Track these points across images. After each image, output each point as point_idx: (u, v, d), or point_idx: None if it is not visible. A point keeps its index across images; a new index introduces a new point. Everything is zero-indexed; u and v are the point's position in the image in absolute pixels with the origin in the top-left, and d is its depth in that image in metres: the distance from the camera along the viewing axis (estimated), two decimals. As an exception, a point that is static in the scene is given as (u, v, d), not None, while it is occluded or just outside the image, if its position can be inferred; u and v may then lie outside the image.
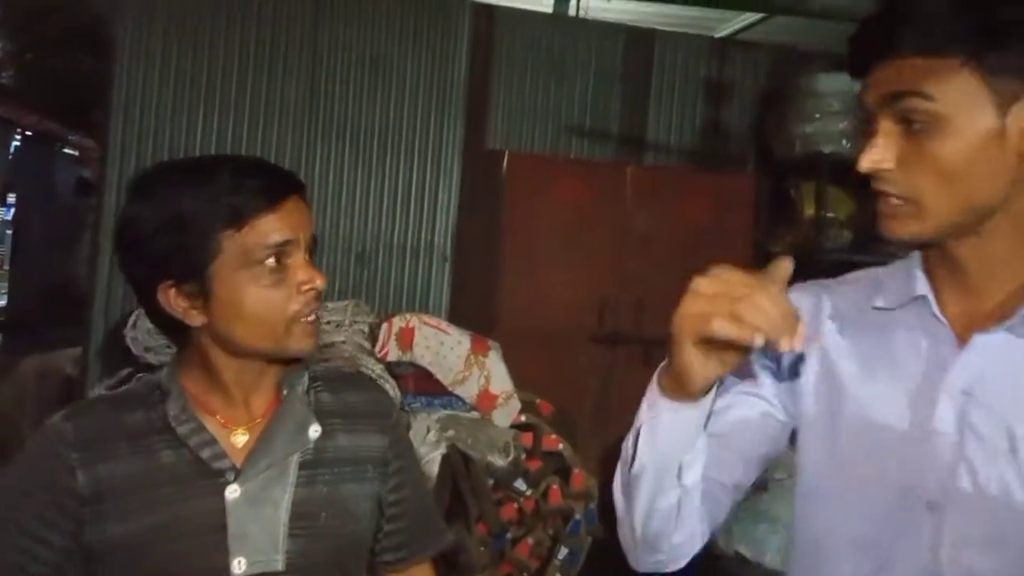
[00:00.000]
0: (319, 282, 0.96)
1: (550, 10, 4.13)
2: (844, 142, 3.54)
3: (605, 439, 3.95)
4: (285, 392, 1.02)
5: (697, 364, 0.77)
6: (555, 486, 2.70)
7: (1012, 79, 0.76)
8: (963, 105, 0.76)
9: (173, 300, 0.95)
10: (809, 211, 3.71)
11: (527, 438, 2.70)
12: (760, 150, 4.04)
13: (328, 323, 2.56)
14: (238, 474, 0.96)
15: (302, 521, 0.98)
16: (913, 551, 0.81)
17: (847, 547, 0.85)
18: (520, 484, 2.64)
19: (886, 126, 0.79)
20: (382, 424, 1.08)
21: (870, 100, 0.81)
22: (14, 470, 0.97)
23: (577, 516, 2.73)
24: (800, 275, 3.16)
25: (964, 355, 0.81)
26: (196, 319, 0.95)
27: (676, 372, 0.79)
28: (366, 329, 2.72)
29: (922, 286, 0.85)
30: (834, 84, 3.56)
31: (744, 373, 0.91)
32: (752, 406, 0.92)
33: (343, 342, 2.56)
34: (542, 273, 3.92)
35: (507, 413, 2.68)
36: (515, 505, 2.64)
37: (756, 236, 4.03)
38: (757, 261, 3.98)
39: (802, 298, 0.91)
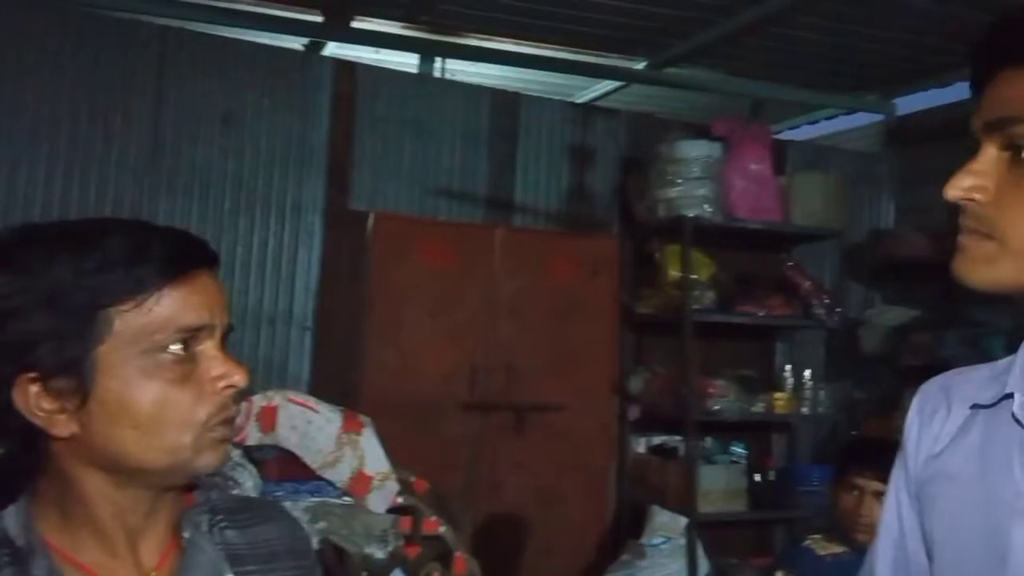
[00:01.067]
0: (239, 378, 0.75)
1: (415, 70, 4.05)
2: (706, 206, 3.64)
3: (476, 512, 3.79)
4: (187, 535, 0.78)
5: None
6: (436, 574, 2.48)
7: None
8: None
9: (34, 401, 0.70)
10: (673, 273, 3.77)
11: (406, 523, 2.48)
12: (624, 213, 4.10)
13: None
14: None
15: None
16: None
17: None
18: (398, 574, 2.41)
19: (989, 151, 0.70)
20: (302, 567, 0.86)
21: (974, 124, 0.71)
22: None
23: (460, 604, 2.52)
24: (667, 334, 3.13)
25: None
26: (64, 428, 0.71)
27: None
28: (222, 409, 2.42)
29: (1014, 380, 0.72)
30: (695, 150, 3.67)
31: None
32: None
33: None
34: (409, 339, 3.75)
35: (384, 496, 2.46)
36: (392, 598, 2.40)
37: (622, 298, 4.06)
38: (623, 323, 4.04)
39: (927, 397, 0.82)
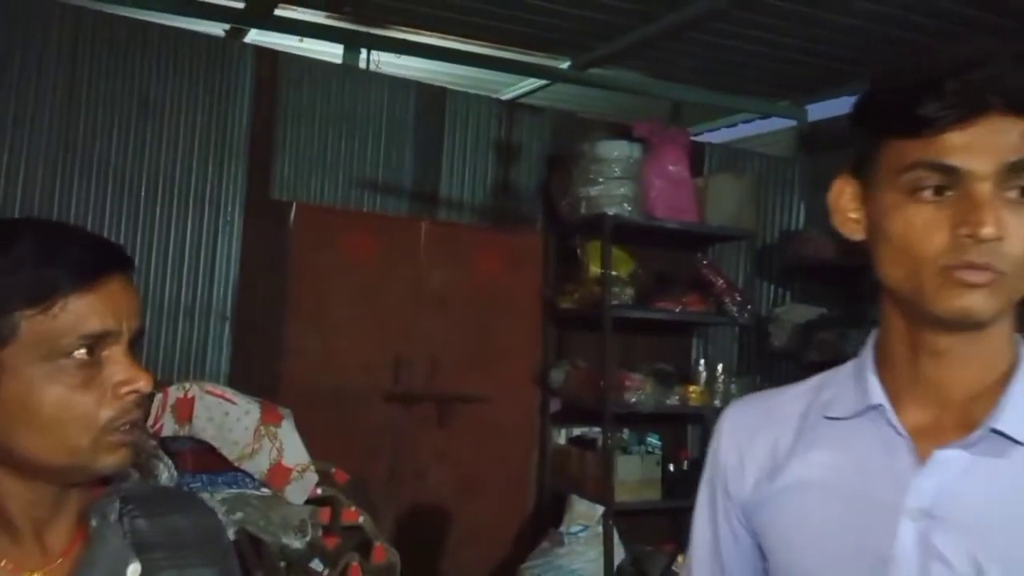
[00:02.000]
0: (143, 383, 0.77)
1: (339, 60, 4.02)
2: (626, 205, 3.74)
3: (399, 503, 3.81)
4: (94, 524, 0.80)
5: None
6: (355, 563, 2.50)
7: None
8: None
9: None
10: (594, 269, 3.86)
11: (324, 513, 2.49)
12: (548, 210, 4.17)
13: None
14: None
15: None
16: None
17: None
18: (317, 564, 2.41)
19: (996, 190, 0.70)
20: (213, 553, 0.88)
21: (976, 165, 0.70)
22: None
23: (378, 594, 2.54)
24: (587, 329, 3.23)
25: (925, 471, 0.74)
26: None
27: None
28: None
29: (877, 393, 0.78)
30: (616, 150, 3.75)
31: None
32: None
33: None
34: (332, 331, 3.74)
35: (302, 487, 2.46)
36: (310, 588, 2.41)
37: (545, 292, 4.14)
38: (546, 317, 4.11)
39: (743, 421, 0.87)
